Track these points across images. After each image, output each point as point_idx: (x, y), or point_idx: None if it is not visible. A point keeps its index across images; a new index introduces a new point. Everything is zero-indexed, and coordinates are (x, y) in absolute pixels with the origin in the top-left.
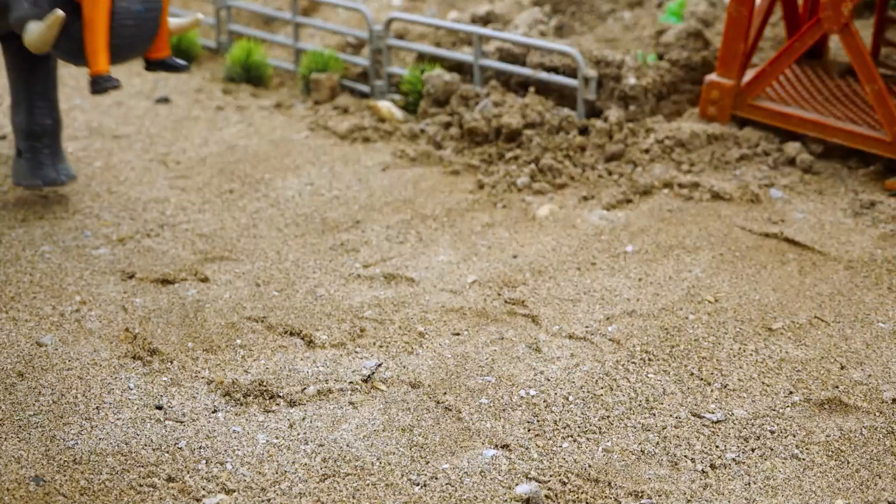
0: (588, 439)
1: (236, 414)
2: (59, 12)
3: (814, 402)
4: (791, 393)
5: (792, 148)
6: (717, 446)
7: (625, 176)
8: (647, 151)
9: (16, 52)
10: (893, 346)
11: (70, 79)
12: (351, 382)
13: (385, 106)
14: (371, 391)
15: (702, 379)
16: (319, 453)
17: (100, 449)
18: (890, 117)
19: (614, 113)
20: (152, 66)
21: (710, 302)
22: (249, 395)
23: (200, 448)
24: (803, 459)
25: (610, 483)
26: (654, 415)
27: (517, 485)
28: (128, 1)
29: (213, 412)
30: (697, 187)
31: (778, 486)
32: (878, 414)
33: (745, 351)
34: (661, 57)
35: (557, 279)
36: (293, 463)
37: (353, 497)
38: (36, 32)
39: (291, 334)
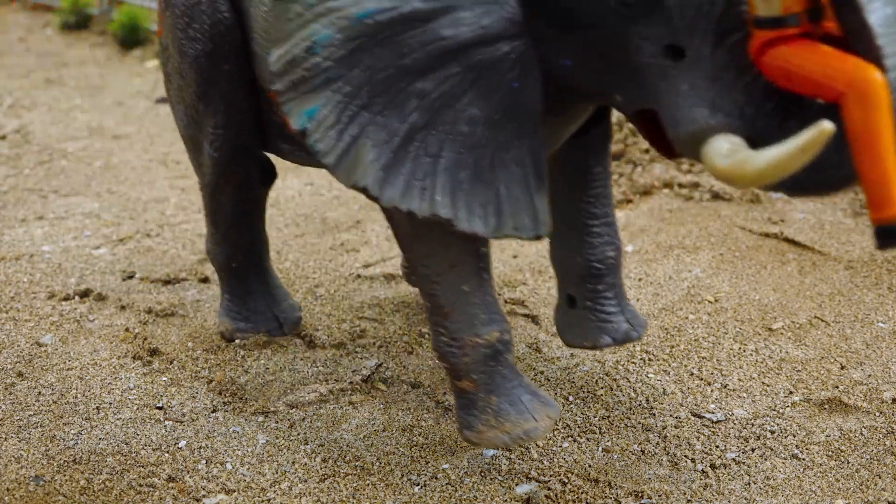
0: (588, 439)
1: (236, 414)
2: (828, 125)
3: (814, 402)
4: (791, 393)
5: None
6: (717, 446)
7: (625, 176)
8: (647, 151)
9: (569, 159)
10: (893, 346)
11: (68, 77)
12: (351, 382)
13: None
14: (371, 391)
15: (702, 379)
16: (319, 453)
17: (100, 449)
18: None
19: (614, 113)
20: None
21: (710, 302)
22: (249, 395)
23: (200, 448)
24: (803, 459)
25: (610, 483)
26: (654, 415)
27: (517, 485)
28: None
29: (212, 412)
30: (697, 187)
31: (778, 486)
32: (878, 414)
33: (745, 351)
34: None
35: None
36: (293, 463)
37: (353, 497)
38: (758, 160)
39: (291, 334)
